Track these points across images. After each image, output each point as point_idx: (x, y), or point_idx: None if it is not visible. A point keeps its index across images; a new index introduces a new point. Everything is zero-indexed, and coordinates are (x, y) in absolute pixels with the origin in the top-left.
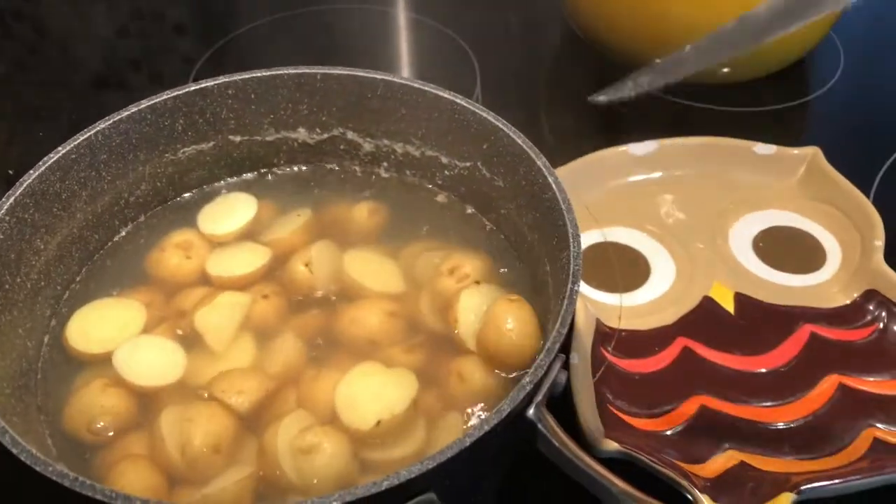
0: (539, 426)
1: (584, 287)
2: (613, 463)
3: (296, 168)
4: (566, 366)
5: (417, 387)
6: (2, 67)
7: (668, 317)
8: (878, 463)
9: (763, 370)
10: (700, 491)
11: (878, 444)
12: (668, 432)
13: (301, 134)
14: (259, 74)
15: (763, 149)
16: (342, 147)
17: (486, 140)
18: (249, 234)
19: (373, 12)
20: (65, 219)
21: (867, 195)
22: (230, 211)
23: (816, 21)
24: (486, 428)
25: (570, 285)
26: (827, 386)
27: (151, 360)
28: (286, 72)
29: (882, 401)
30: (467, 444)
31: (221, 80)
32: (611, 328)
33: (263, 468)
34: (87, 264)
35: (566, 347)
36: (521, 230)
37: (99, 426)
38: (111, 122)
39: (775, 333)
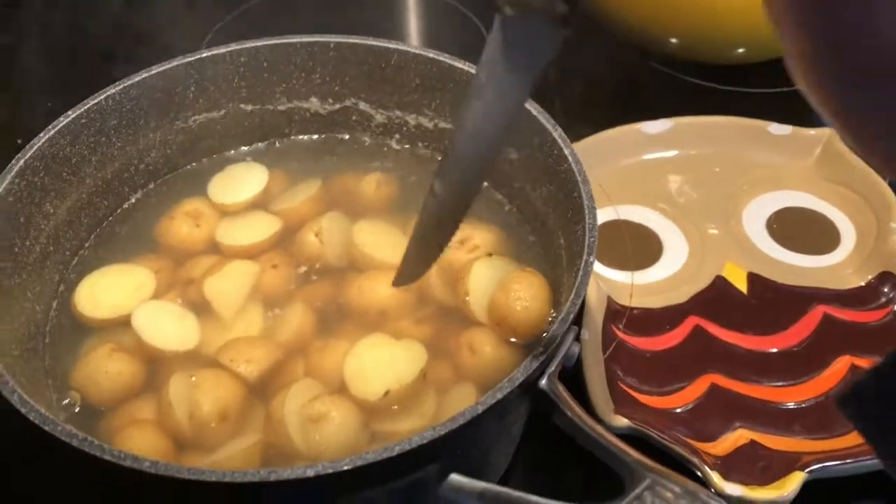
0: (552, 397)
1: (596, 265)
2: (623, 439)
3: (307, 138)
4: (578, 339)
5: (426, 357)
6: (9, 38)
7: (680, 295)
8: None
9: (775, 350)
10: (710, 468)
11: None
12: (679, 410)
13: (313, 104)
14: (272, 42)
15: (778, 129)
16: (354, 118)
17: None
18: (259, 204)
19: None
20: (74, 183)
21: (883, 177)
22: (240, 180)
23: None
24: (499, 396)
25: (585, 257)
26: (839, 367)
27: (169, 325)
28: (299, 40)
29: None
30: (480, 411)
31: (233, 47)
32: (622, 306)
33: (271, 436)
34: (96, 230)
35: (578, 321)
36: (534, 203)
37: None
38: (121, 87)
39: (788, 314)
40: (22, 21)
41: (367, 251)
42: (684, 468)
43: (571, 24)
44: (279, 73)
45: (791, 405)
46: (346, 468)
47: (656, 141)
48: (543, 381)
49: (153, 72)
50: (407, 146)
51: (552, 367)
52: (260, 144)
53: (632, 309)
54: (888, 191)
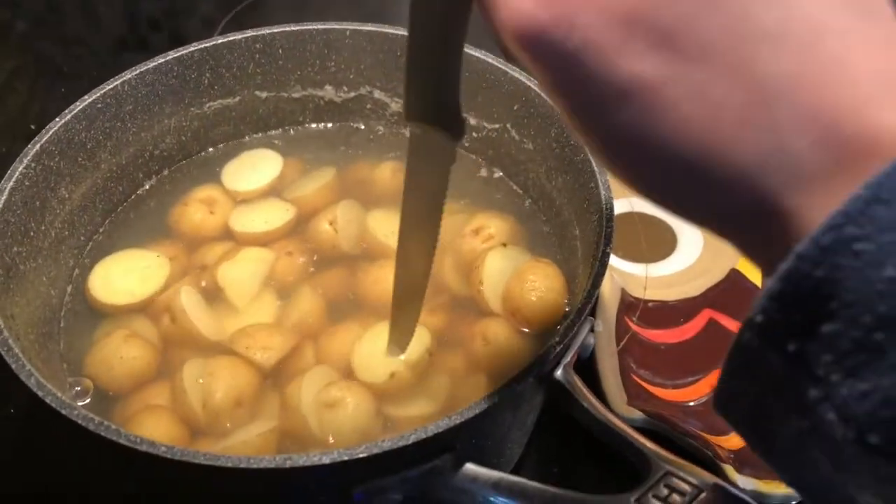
0: (568, 387)
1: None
2: (634, 430)
3: (322, 126)
4: (592, 330)
5: (430, 338)
6: (23, 24)
7: (695, 288)
8: None
9: None
10: (723, 462)
11: None
12: (692, 403)
13: (328, 91)
14: (287, 29)
15: None
16: (369, 106)
17: (518, 101)
18: (273, 191)
19: None
20: (89, 169)
21: None
22: (255, 167)
23: None
24: (516, 386)
25: (601, 247)
26: None
27: (205, 311)
28: (315, 27)
29: None
30: (496, 401)
31: (249, 33)
32: (636, 298)
33: (286, 422)
34: (110, 216)
35: (593, 313)
36: (549, 193)
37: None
38: (137, 72)
39: None
40: (36, 7)
41: (382, 239)
42: (696, 461)
43: (461, 138)
44: (294, 60)
45: None
46: (361, 456)
47: None
48: (559, 372)
49: (169, 57)
50: None
51: (568, 358)
52: (274, 132)
53: (646, 301)
54: None
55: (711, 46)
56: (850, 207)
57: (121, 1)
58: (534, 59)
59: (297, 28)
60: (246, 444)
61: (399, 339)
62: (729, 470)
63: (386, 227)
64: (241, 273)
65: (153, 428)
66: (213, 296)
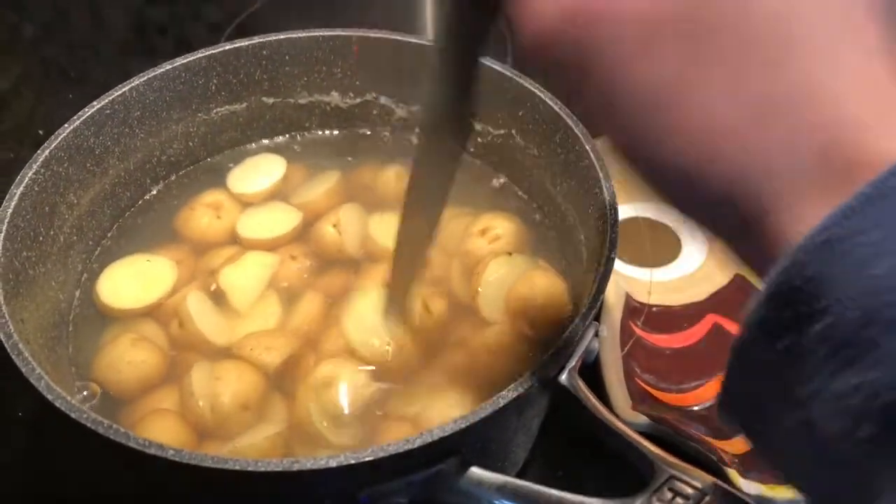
0: (572, 391)
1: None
2: (641, 436)
3: (328, 132)
4: (597, 334)
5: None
6: (31, 30)
7: (699, 293)
8: None
9: None
10: (728, 466)
11: None
12: (696, 408)
13: (334, 97)
14: (294, 36)
15: None
16: (375, 112)
17: (523, 107)
18: (279, 196)
19: None
20: (97, 174)
21: None
22: (261, 172)
23: None
24: (520, 390)
25: (606, 253)
26: None
27: (212, 315)
28: (321, 34)
29: None
30: (500, 405)
31: (256, 40)
32: (640, 303)
33: (292, 419)
34: (118, 221)
35: (597, 317)
36: (554, 199)
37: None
38: (145, 78)
39: None
40: (44, 13)
41: (383, 243)
42: (701, 466)
43: (466, 144)
44: (301, 66)
45: None
46: (367, 459)
47: None
48: (564, 376)
49: (177, 63)
50: None
51: (572, 363)
52: (281, 138)
53: (650, 306)
54: None
55: (724, 60)
56: (840, 211)
57: (128, 6)
58: (555, 66)
59: (304, 35)
60: (253, 446)
61: (397, 300)
62: (733, 474)
63: (389, 230)
64: (244, 277)
65: (161, 431)
66: (220, 300)
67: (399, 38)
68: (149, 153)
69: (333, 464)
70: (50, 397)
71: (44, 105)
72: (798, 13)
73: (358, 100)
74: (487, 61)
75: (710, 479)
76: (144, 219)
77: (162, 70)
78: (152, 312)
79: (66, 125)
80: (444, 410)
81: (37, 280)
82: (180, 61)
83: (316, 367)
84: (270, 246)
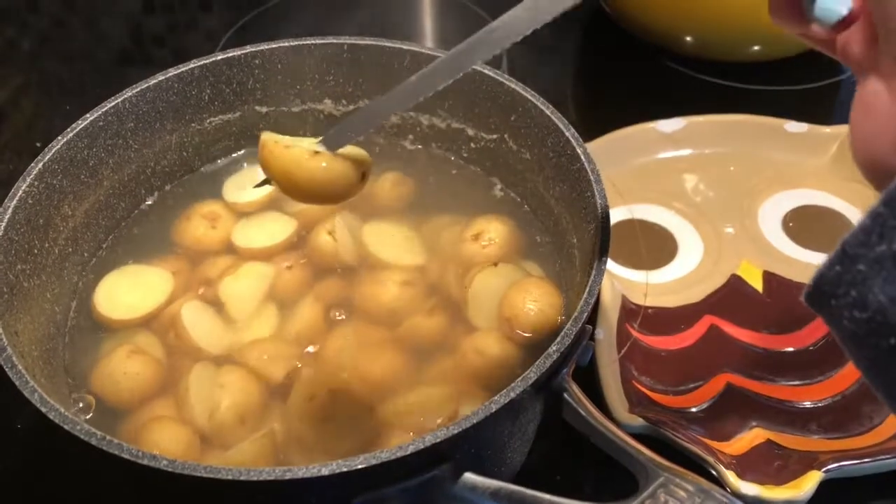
0: (565, 395)
1: (610, 264)
2: (638, 439)
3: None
4: (592, 338)
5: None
6: (28, 42)
7: (695, 295)
8: None
9: (790, 349)
10: (725, 468)
11: None
12: (694, 409)
13: (327, 105)
14: (286, 44)
15: (794, 126)
16: None
17: (514, 112)
18: (274, 205)
19: None
20: (92, 186)
21: None
22: (254, 181)
23: None
24: (513, 395)
25: (598, 256)
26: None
27: (208, 325)
28: (313, 42)
29: None
30: (493, 410)
31: (248, 49)
32: (637, 305)
33: (284, 431)
34: (113, 232)
35: (592, 320)
36: (547, 203)
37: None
38: (138, 90)
39: (804, 313)
40: (40, 24)
41: (376, 253)
42: (700, 468)
43: None
44: (293, 74)
45: (807, 404)
46: (360, 466)
47: (671, 139)
48: (557, 380)
49: (169, 74)
50: (420, 147)
51: (566, 367)
52: None
53: (646, 308)
54: None
55: None
56: None
57: (125, 17)
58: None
59: (296, 43)
60: (248, 450)
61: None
62: (731, 476)
63: (382, 239)
64: (243, 288)
65: (161, 440)
66: (216, 310)
67: (389, 44)
68: (143, 164)
69: (326, 472)
70: (44, 410)
71: (42, 117)
72: None
73: (351, 107)
74: (479, 66)
75: (703, 482)
76: (140, 229)
77: (155, 81)
78: (149, 323)
79: (59, 137)
80: (435, 416)
81: (31, 292)
82: (173, 72)
83: (308, 378)
84: (266, 255)
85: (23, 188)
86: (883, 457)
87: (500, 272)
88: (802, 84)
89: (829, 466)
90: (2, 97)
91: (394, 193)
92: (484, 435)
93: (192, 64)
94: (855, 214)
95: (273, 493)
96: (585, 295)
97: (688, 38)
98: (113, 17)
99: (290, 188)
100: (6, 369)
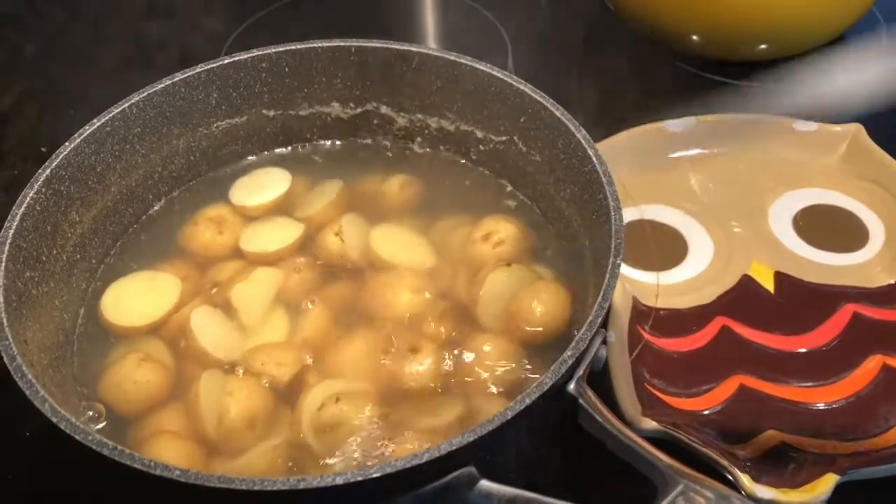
0: (580, 401)
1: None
2: (651, 442)
3: (329, 143)
4: (604, 341)
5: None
6: (32, 46)
7: (706, 296)
8: None
9: (804, 350)
10: (740, 471)
11: None
12: (707, 412)
13: (335, 108)
14: (293, 47)
15: (803, 125)
16: (376, 122)
17: (524, 113)
18: (281, 209)
19: None
20: (99, 192)
21: None
22: (263, 185)
23: None
24: (528, 402)
25: (612, 259)
26: (871, 366)
27: (217, 331)
28: (320, 45)
29: None
30: (508, 417)
31: (255, 52)
32: (648, 306)
33: (293, 439)
34: (121, 238)
35: (605, 323)
36: (558, 205)
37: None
38: (145, 94)
39: (817, 313)
40: (44, 30)
41: (384, 256)
42: (712, 471)
43: None
44: (300, 78)
45: (822, 406)
46: (375, 475)
47: (679, 139)
48: (572, 386)
49: (176, 79)
50: (429, 149)
51: (580, 371)
52: (282, 150)
53: (658, 310)
54: None
55: None
56: None
57: (127, 21)
58: None
59: (303, 46)
60: (260, 457)
61: None
62: (746, 479)
63: (390, 242)
64: (254, 294)
65: (168, 449)
66: (226, 316)
67: (397, 46)
68: (150, 169)
69: (340, 481)
70: (55, 420)
71: (46, 122)
72: None
73: (359, 110)
74: (487, 67)
75: (724, 489)
76: (147, 235)
77: (161, 86)
78: (157, 329)
79: (66, 143)
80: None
81: (40, 300)
82: (179, 76)
83: (317, 383)
84: (273, 259)
85: (30, 195)
86: None
87: (513, 272)
88: (811, 82)
89: (846, 469)
90: (6, 102)
91: (402, 196)
92: (499, 441)
93: (199, 68)
94: (865, 213)
95: (286, 503)
96: (600, 299)
97: (695, 37)
98: (116, 21)
99: None
100: (17, 379)
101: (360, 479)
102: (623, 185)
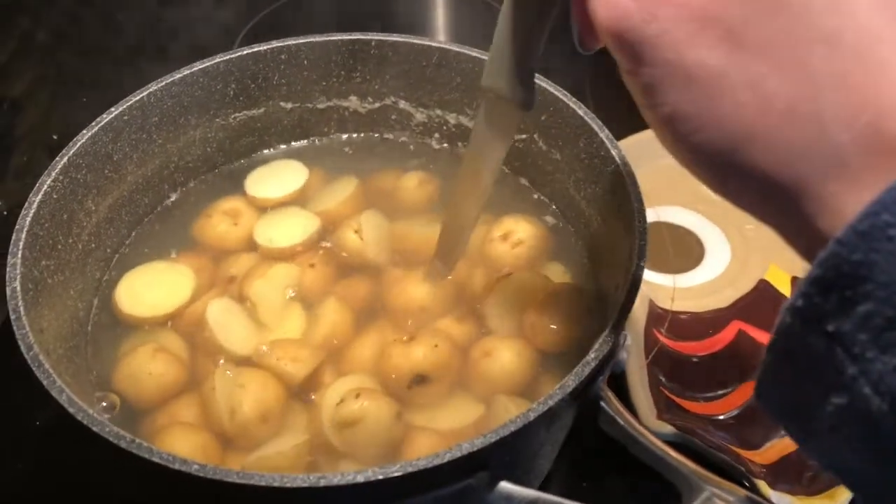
0: (602, 404)
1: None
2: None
3: (346, 137)
4: (624, 344)
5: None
6: (44, 35)
7: (723, 299)
8: None
9: None
10: (756, 477)
11: None
12: (722, 416)
13: (353, 102)
14: (312, 40)
15: None
16: (394, 117)
17: (545, 111)
18: (297, 202)
19: None
20: (116, 181)
21: None
22: (279, 178)
23: None
24: (551, 403)
25: (636, 261)
26: None
27: (235, 325)
28: (340, 38)
29: None
30: (531, 418)
31: (274, 44)
32: (664, 310)
33: (314, 436)
34: (136, 228)
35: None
36: (577, 204)
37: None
38: (163, 84)
39: None
40: (57, 18)
41: (400, 250)
42: (727, 476)
43: (530, 108)
44: (319, 70)
45: None
46: (396, 474)
47: None
48: (593, 388)
49: (194, 69)
50: (446, 145)
51: (602, 374)
52: (299, 143)
53: (674, 313)
54: None
55: (771, 44)
56: (886, 197)
57: (140, 9)
58: (619, 45)
59: (322, 39)
60: (280, 454)
61: (442, 265)
62: (762, 485)
63: (409, 237)
64: (272, 289)
65: (181, 441)
66: (241, 309)
67: (418, 41)
68: (167, 159)
69: (361, 479)
70: (72, 410)
71: (58, 109)
72: (848, 1)
73: (377, 104)
74: None
75: (750, 495)
76: (163, 225)
77: (180, 75)
78: (172, 320)
79: (83, 132)
80: (462, 420)
81: (55, 289)
82: (198, 66)
83: (335, 381)
84: (289, 254)
85: (47, 183)
86: None
87: (513, 282)
88: None
89: None
90: (18, 89)
91: (420, 192)
92: (520, 443)
93: (217, 58)
94: None
95: (306, 500)
96: (623, 300)
97: None
98: (128, 9)
99: None
100: (34, 368)
101: (381, 477)
102: (641, 186)
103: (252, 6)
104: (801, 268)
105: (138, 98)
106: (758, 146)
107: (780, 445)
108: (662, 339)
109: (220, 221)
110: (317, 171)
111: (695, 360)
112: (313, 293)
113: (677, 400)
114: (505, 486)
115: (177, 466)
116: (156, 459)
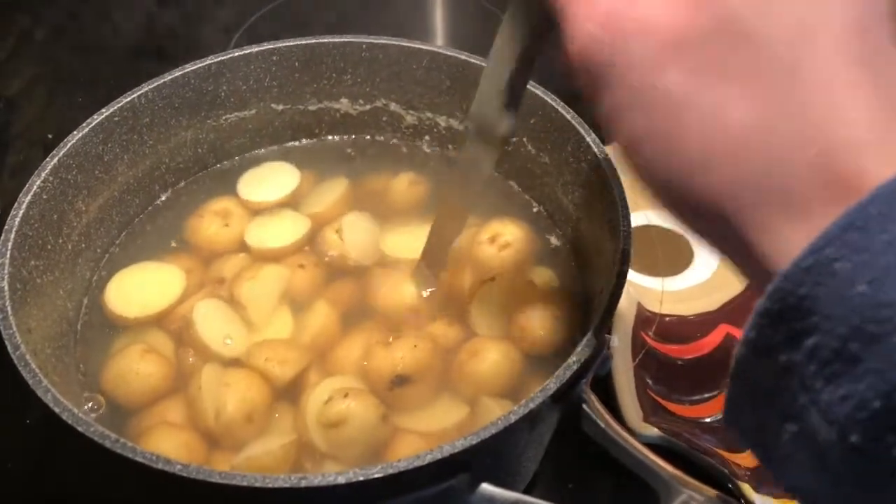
0: (584, 407)
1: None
2: (652, 448)
3: (337, 139)
4: (609, 347)
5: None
6: (41, 33)
7: (711, 303)
8: None
9: None
10: (740, 480)
11: None
12: (708, 419)
13: (343, 104)
14: (304, 42)
15: None
16: (384, 119)
17: (534, 115)
18: (288, 204)
19: None
20: (106, 181)
21: None
22: (270, 179)
23: None
24: (532, 406)
25: (619, 265)
26: None
27: (221, 325)
28: (331, 40)
29: None
30: (512, 420)
31: (266, 46)
32: (652, 312)
33: (299, 437)
34: (126, 228)
35: (609, 328)
36: (565, 207)
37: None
38: (154, 85)
39: None
40: (54, 16)
41: (389, 252)
42: (713, 479)
43: (509, 144)
44: (310, 72)
45: None
46: (377, 476)
47: None
48: (576, 391)
49: (186, 70)
50: (437, 148)
51: (585, 377)
52: (290, 144)
53: (662, 316)
54: None
55: (733, 73)
56: (830, 232)
57: (138, 9)
58: (585, 68)
59: (314, 41)
60: (269, 454)
61: (428, 269)
62: (746, 488)
63: (398, 239)
64: (262, 291)
65: (167, 441)
66: (230, 309)
67: (408, 44)
68: (158, 160)
69: (342, 480)
70: (57, 410)
71: (54, 108)
72: (810, 36)
73: (368, 106)
74: None
75: (727, 499)
76: (153, 226)
77: (171, 77)
78: (161, 321)
79: (74, 132)
80: (446, 422)
81: (44, 289)
82: (189, 67)
83: (319, 382)
84: (279, 255)
85: (37, 183)
86: None
87: (496, 286)
88: None
89: None
90: (14, 88)
91: (409, 194)
92: (502, 445)
93: (209, 60)
94: None
95: (288, 501)
96: (606, 303)
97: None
98: (126, 9)
99: None
100: (20, 367)
101: (361, 479)
102: (631, 190)
103: (248, 6)
104: None
105: (129, 99)
106: (713, 174)
107: None
108: (650, 341)
109: (211, 222)
110: (307, 172)
111: (682, 363)
112: (302, 294)
113: (664, 403)
114: (486, 488)
115: (160, 466)
116: (139, 459)
